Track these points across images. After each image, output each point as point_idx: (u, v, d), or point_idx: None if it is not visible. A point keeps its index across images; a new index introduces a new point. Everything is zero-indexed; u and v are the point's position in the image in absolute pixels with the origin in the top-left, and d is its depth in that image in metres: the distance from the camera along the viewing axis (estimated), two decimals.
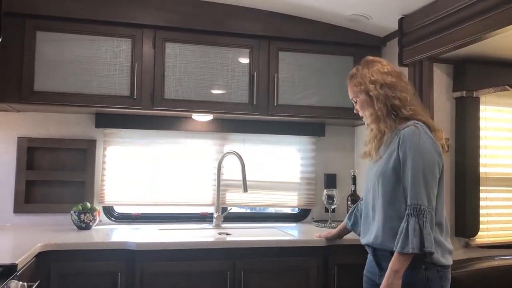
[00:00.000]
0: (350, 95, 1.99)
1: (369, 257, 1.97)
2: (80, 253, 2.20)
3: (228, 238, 2.60)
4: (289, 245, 2.44)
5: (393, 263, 1.71)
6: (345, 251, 2.48)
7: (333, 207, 3.04)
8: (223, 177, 3.04)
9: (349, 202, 2.98)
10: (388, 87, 1.84)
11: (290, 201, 3.20)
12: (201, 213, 3.09)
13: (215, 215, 2.91)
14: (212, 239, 2.58)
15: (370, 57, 1.98)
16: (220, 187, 2.99)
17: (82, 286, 2.20)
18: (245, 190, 2.79)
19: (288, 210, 3.30)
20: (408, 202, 1.72)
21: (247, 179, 2.82)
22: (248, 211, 3.31)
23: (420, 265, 1.73)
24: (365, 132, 2.00)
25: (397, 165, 1.77)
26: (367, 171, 2.00)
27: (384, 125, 1.85)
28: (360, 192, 3.01)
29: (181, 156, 3.04)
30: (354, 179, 3.03)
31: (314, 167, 3.24)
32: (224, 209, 3.01)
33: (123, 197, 2.93)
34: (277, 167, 3.19)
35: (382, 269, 1.83)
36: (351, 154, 3.29)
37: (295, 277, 2.41)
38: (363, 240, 1.97)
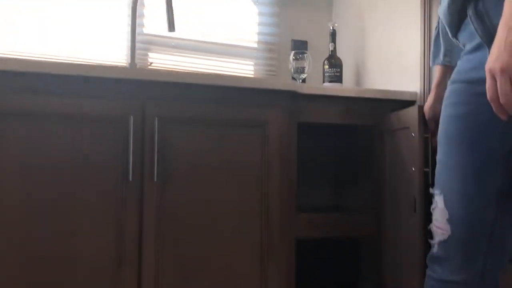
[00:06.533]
0: None
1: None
2: None
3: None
4: (240, 84, 1.49)
5: (505, 16, 0.85)
6: (324, 105, 1.60)
7: (303, 76, 2.12)
8: (143, 30, 2.06)
9: (327, 67, 2.08)
10: None
11: (243, 71, 2.25)
12: None
13: None
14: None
15: None
16: (137, 43, 1.99)
17: None
18: (171, 28, 1.82)
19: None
20: None
21: (179, 37, 1.88)
22: None
23: None
24: None
25: None
26: None
27: None
28: (342, 53, 2.13)
29: None
30: (333, 35, 2.12)
31: (278, 28, 2.30)
32: None
33: None
34: (223, 24, 2.21)
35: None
36: (328, 14, 2.38)
37: (247, 136, 1.47)
38: None
